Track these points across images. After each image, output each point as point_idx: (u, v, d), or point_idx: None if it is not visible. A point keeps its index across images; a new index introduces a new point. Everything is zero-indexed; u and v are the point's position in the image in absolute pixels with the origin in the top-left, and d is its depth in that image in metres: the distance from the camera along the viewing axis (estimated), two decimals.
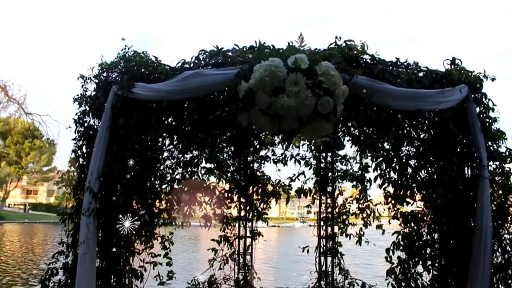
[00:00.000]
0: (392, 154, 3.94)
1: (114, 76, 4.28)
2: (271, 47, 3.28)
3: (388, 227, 5.87)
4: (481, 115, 4.12)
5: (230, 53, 3.65)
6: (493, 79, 4.12)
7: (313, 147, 6.19)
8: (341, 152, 6.08)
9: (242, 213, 6.10)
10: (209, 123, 3.53)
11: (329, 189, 6.07)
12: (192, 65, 3.75)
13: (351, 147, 5.86)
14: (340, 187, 6.06)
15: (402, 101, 3.54)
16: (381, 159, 4.11)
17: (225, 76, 3.40)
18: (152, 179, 4.74)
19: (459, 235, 3.94)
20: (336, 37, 3.78)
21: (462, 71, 4.02)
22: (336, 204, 6.00)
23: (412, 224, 4.32)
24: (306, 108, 3.12)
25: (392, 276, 4.35)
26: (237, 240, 6.06)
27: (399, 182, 4.14)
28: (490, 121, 4.11)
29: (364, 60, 3.57)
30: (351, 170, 6.00)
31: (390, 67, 3.60)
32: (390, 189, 4.35)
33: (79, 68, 4.59)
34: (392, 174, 4.23)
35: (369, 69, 3.48)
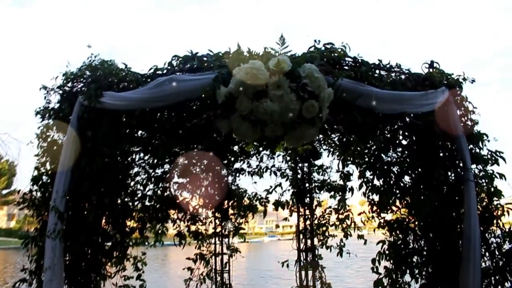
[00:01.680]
0: (377, 160, 3.79)
1: (80, 86, 3.98)
2: (249, 50, 3.09)
3: (370, 237, 5.77)
4: (462, 118, 4.07)
5: (205, 58, 3.44)
6: (472, 81, 4.08)
7: (288, 158, 6.05)
8: (318, 162, 5.99)
9: (218, 229, 5.83)
10: (184, 133, 3.27)
11: (307, 200, 5.93)
12: (165, 71, 3.51)
13: (327, 156, 5.78)
14: (318, 197, 5.91)
15: (387, 104, 3.43)
16: (365, 166, 3.95)
17: (202, 81, 3.19)
18: (123, 196, 4.44)
19: (446, 241, 3.83)
20: (315, 41, 3.65)
21: (442, 74, 3.97)
22: (315, 216, 5.84)
23: (398, 232, 4.18)
24: (291, 113, 2.94)
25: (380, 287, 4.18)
26: (213, 257, 5.78)
27: (383, 189, 4.00)
28: (472, 123, 4.06)
29: (347, 62, 3.44)
30: (328, 180, 5.90)
31: (373, 69, 3.48)
32: (374, 197, 4.20)
33: (41, 82, 4.22)
34: (376, 182, 4.08)
35: (353, 71, 3.36)
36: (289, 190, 5.97)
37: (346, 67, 3.42)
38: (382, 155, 3.98)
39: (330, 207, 5.79)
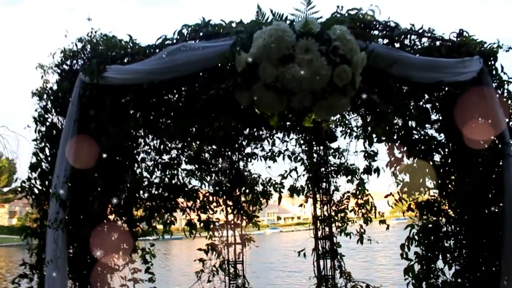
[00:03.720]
0: (408, 135, 3.45)
1: (80, 63, 3.63)
2: (272, 11, 2.74)
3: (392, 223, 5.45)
4: (497, 90, 3.73)
5: (221, 25, 3.08)
6: (508, 50, 3.73)
7: (302, 141, 5.73)
8: (333, 145, 5.67)
9: (230, 217, 5.51)
10: (199, 108, 2.92)
11: (323, 185, 5.62)
12: (174, 41, 3.15)
13: (344, 138, 5.45)
14: (336, 182, 5.60)
15: (423, 72, 3.08)
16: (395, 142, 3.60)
17: (218, 48, 2.83)
18: (129, 182, 4.10)
19: (485, 222, 3.51)
20: (338, 6, 3.29)
21: (476, 42, 3.62)
22: (333, 202, 5.53)
23: (429, 215, 3.85)
24: (321, 80, 2.59)
25: (410, 274, 3.86)
26: (226, 248, 5.46)
27: (416, 167, 3.66)
28: (508, 95, 3.72)
29: (377, 26, 3.08)
30: (345, 164, 5.58)
31: (406, 34, 3.13)
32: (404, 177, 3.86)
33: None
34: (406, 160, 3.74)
35: (385, 35, 3.00)
36: (303, 175, 5.68)
37: (378, 31, 3.07)
38: (414, 131, 3.66)
39: (348, 191, 5.50)
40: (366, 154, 4.24)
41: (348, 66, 2.62)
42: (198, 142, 4.10)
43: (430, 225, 3.90)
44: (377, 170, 4.20)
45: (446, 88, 3.48)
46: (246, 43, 2.70)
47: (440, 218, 3.82)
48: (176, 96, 3.21)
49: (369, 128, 4.00)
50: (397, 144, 3.68)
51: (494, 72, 3.77)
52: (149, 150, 4.54)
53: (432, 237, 3.85)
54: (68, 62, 3.73)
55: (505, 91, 3.72)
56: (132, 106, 3.14)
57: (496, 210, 3.51)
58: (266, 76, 2.60)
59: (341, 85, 2.64)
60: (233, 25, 3.14)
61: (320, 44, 2.59)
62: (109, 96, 3.18)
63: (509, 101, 3.75)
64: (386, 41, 3.04)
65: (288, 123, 4.08)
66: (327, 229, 5.50)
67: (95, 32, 3.76)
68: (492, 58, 3.68)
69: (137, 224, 4.04)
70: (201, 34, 3.02)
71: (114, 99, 3.22)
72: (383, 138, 4.00)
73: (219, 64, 2.83)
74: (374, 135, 3.99)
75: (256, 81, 2.65)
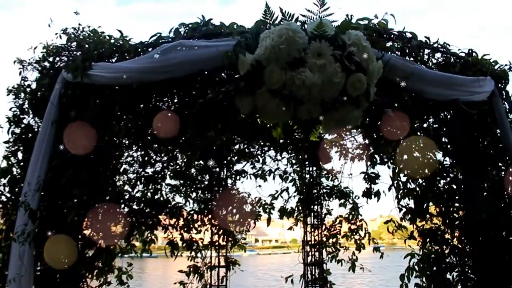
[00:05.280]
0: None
1: (64, 60, 3.31)
2: (282, 11, 2.47)
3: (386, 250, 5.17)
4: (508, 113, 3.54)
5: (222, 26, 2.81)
6: None
7: (294, 161, 5.46)
8: (327, 166, 5.41)
9: (215, 238, 5.15)
10: (194, 113, 2.62)
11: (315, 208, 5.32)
12: (170, 40, 2.86)
13: (339, 159, 5.21)
14: (328, 205, 5.31)
15: (438, 88, 2.85)
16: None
17: (220, 48, 2.54)
18: (109, 195, 3.74)
19: (496, 252, 3.26)
20: (347, 16, 3.06)
21: (488, 62, 3.43)
22: (324, 226, 5.23)
23: (433, 244, 3.59)
24: (333, 88, 2.33)
25: None
26: (209, 270, 5.07)
27: (420, 193, 3.40)
28: None
29: (392, 36, 2.84)
30: (339, 186, 5.32)
31: (422, 47, 2.91)
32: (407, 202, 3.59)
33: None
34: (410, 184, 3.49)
35: (401, 46, 2.77)
36: (294, 196, 5.38)
37: (393, 40, 2.83)
38: None
39: (341, 215, 5.21)
40: (366, 176, 3.97)
41: (363, 75, 2.37)
42: (189, 153, 3.75)
43: (433, 255, 3.64)
44: (378, 194, 3.92)
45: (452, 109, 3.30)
46: (252, 44, 2.43)
47: (444, 248, 3.56)
48: (169, 99, 2.89)
49: (370, 148, 3.74)
50: (401, 166, 3.44)
51: (504, 95, 3.60)
52: (132, 162, 4.22)
53: (434, 268, 3.59)
54: (51, 59, 3.40)
55: None
56: (118, 108, 2.80)
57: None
58: (273, 80, 2.33)
59: (355, 95, 2.38)
60: (235, 26, 2.88)
61: (334, 49, 2.34)
62: (94, 97, 2.85)
63: None
64: (398, 52, 2.79)
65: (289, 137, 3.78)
66: (317, 254, 5.18)
67: (83, 28, 3.47)
68: (503, 81, 3.50)
69: (115, 240, 3.65)
70: (200, 33, 2.72)
71: (99, 100, 2.89)
72: (385, 160, 3.77)
73: (219, 66, 2.53)
74: (376, 156, 3.74)
75: (261, 86, 2.37)
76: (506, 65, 3.55)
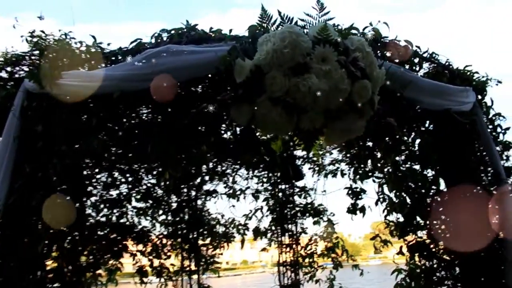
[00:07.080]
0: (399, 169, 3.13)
1: (25, 69, 2.95)
2: (281, 14, 2.31)
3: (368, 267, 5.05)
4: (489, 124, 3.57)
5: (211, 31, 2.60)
6: (498, 83, 3.60)
7: (265, 180, 5.27)
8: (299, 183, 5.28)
9: (186, 263, 4.82)
10: (182, 127, 2.37)
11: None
12: (153, 46, 2.60)
13: (312, 176, 5.10)
14: (302, 223, 5.15)
15: (431, 97, 2.80)
16: (386, 178, 3.25)
17: (212, 53, 2.33)
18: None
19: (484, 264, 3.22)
20: (334, 25, 2.95)
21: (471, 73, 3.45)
22: (299, 245, 5.06)
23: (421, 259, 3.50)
24: (339, 96, 2.18)
25: None
26: None
27: (410, 207, 3.31)
28: (500, 130, 3.55)
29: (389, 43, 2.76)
30: (312, 204, 5.19)
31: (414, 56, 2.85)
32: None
33: None
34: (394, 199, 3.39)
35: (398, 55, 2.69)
36: (267, 216, 5.19)
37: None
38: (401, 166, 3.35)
39: (316, 234, 5.07)
40: (350, 192, 3.85)
41: (368, 81, 2.24)
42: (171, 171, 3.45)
43: (419, 270, 3.55)
44: (363, 209, 3.81)
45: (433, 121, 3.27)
46: (249, 48, 2.24)
47: (434, 261, 3.49)
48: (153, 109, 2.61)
49: (355, 162, 3.63)
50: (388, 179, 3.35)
51: (486, 105, 3.64)
52: (95, 184, 3.89)
53: (423, 283, 3.50)
54: (9, 69, 3.03)
55: (497, 126, 3.55)
56: (96, 121, 2.49)
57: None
58: (275, 87, 2.14)
59: (360, 103, 2.25)
60: (225, 36, 2.68)
61: (339, 54, 2.20)
62: (66, 109, 2.52)
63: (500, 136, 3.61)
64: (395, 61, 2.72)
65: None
66: (292, 275, 4.99)
67: (47, 36, 3.12)
68: (484, 92, 3.53)
69: (85, 271, 3.28)
70: (188, 37, 2.49)
71: (71, 112, 2.56)
72: (370, 174, 3.67)
73: (213, 72, 2.31)
74: (360, 171, 3.64)
75: (261, 94, 2.18)
76: (483, 76, 3.60)
